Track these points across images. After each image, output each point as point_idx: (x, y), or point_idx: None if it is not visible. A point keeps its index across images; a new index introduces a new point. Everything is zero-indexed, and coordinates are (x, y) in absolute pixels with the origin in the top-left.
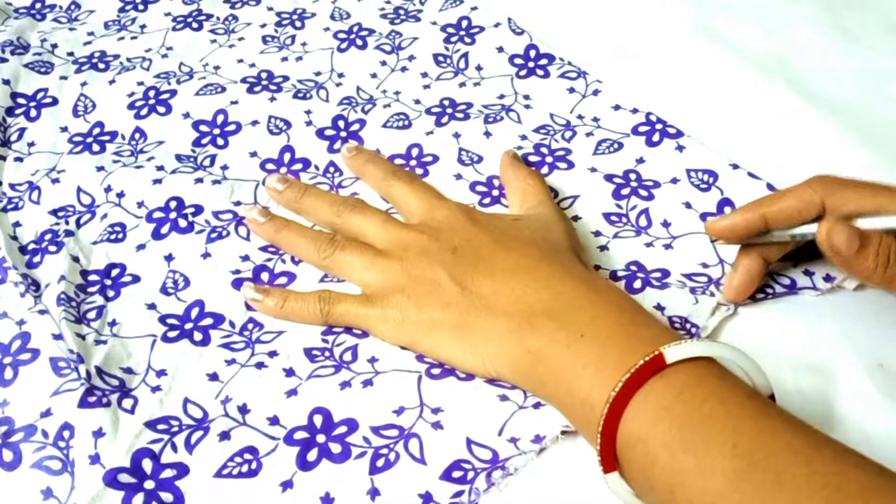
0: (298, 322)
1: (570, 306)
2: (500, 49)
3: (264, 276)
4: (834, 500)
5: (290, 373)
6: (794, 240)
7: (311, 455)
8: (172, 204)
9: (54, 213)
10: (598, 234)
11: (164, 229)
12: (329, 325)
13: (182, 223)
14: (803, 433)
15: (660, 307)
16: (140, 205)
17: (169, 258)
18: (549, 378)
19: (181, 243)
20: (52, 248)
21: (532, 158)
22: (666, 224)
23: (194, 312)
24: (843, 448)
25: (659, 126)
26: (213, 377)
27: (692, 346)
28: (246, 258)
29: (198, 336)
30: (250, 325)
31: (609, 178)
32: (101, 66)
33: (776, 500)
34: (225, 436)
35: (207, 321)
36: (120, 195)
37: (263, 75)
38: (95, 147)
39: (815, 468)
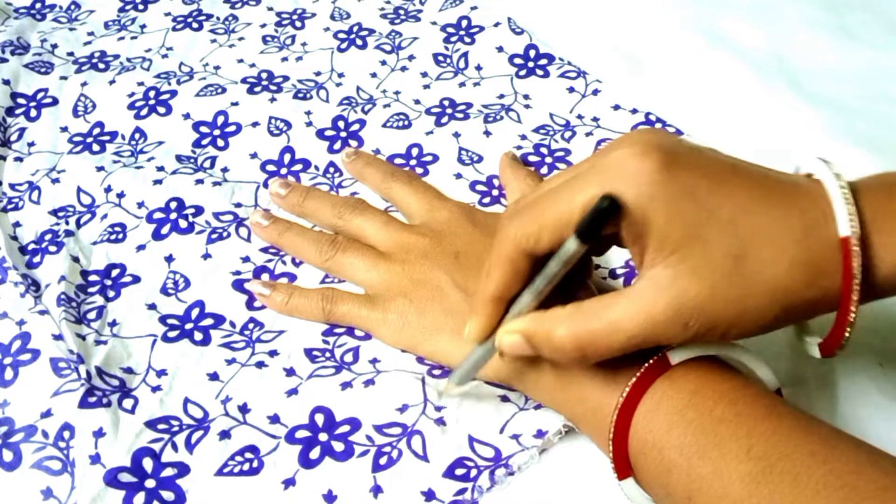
0: (302, 318)
1: None
2: (500, 49)
3: (265, 277)
4: (851, 500)
5: (290, 372)
6: (562, 273)
7: (314, 453)
8: (173, 205)
9: (54, 213)
10: None
11: (165, 230)
12: (331, 324)
13: (182, 224)
14: (816, 431)
15: None
16: (140, 205)
17: (169, 259)
18: (559, 387)
19: (181, 244)
20: (53, 249)
21: (532, 159)
22: None
23: (194, 313)
24: (857, 444)
25: (658, 125)
26: (214, 377)
27: (695, 347)
28: (246, 259)
29: (198, 336)
30: (251, 325)
31: None
32: (101, 66)
33: (794, 501)
34: (225, 435)
35: (208, 321)
36: (120, 195)
37: (263, 75)
38: (95, 147)
39: (832, 467)
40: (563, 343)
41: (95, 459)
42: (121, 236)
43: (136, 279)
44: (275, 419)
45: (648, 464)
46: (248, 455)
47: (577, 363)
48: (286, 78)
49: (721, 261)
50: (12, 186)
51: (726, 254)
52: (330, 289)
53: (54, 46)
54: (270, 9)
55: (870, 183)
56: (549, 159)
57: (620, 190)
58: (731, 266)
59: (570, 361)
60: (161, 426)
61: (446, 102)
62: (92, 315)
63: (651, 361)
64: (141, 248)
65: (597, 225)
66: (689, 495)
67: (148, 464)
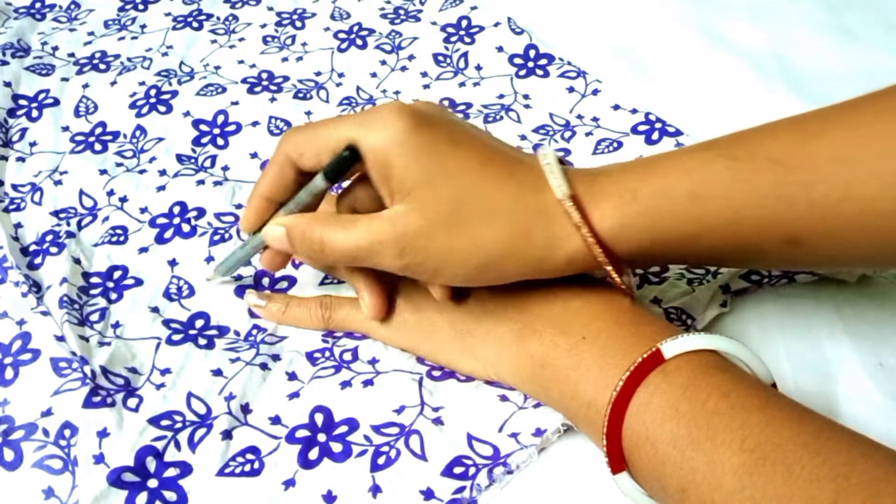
0: (300, 327)
1: (569, 308)
2: (500, 49)
3: (265, 280)
4: (843, 490)
5: (292, 377)
6: (311, 202)
7: (313, 454)
8: (176, 209)
9: (56, 214)
10: None
11: (168, 234)
12: (330, 330)
13: (185, 228)
14: (810, 423)
15: (657, 300)
16: (143, 210)
17: (172, 262)
18: (554, 383)
19: (184, 248)
20: (54, 250)
21: None
22: None
23: (199, 323)
24: (851, 435)
25: (658, 125)
26: (217, 373)
27: (689, 340)
28: (247, 263)
29: (202, 342)
30: (254, 331)
31: None
32: (102, 66)
33: (787, 492)
34: (227, 435)
35: (212, 332)
36: (123, 199)
37: (264, 75)
38: (97, 146)
39: (825, 459)
40: (311, 240)
41: (99, 459)
42: (122, 238)
43: (139, 281)
44: (276, 420)
45: (642, 457)
46: (250, 456)
47: (319, 261)
48: (286, 78)
49: (443, 205)
50: (14, 187)
51: (448, 200)
52: (327, 296)
53: (55, 49)
54: (270, 9)
55: (582, 168)
56: None
57: (372, 138)
58: (450, 211)
59: (314, 259)
60: (164, 422)
61: (446, 102)
62: (94, 317)
63: (644, 356)
64: (143, 250)
65: (340, 168)
66: (682, 487)
67: (151, 463)
